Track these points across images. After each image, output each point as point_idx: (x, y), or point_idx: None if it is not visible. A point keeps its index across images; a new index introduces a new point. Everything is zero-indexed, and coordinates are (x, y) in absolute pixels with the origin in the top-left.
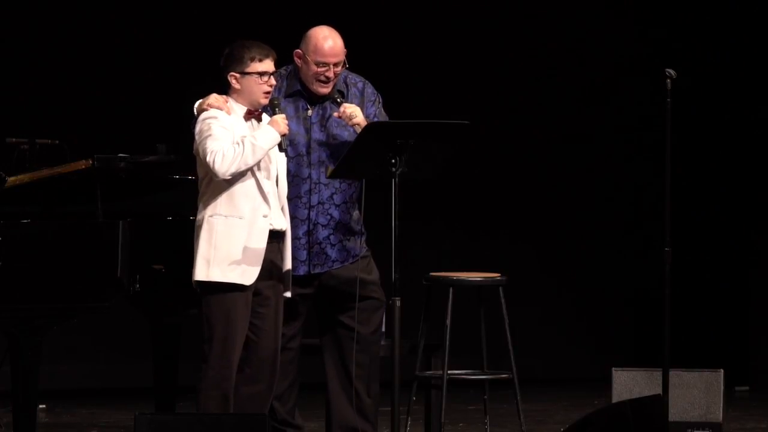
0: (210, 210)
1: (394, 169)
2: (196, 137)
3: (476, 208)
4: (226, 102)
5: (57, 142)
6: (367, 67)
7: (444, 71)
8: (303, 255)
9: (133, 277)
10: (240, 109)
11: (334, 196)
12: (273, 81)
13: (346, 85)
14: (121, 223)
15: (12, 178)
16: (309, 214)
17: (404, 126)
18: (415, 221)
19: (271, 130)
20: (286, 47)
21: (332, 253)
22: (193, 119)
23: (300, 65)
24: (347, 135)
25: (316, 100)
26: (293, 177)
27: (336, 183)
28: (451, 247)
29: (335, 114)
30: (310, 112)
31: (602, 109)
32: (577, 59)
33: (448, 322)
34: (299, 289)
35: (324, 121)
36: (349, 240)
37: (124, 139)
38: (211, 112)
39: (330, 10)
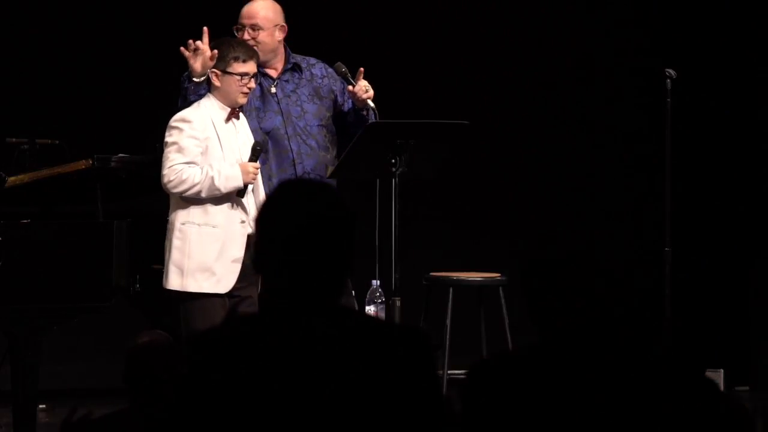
0: (182, 217)
1: (394, 169)
2: (165, 137)
3: (476, 207)
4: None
5: (57, 142)
6: (368, 67)
7: (444, 71)
8: None
9: (133, 277)
10: (220, 111)
11: (318, 167)
12: (252, 84)
13: (302, 67)
14: (120, 223)
15: (12, 178)
16: None
17: (404, 126)
18: (415, 221)
19: (237, 176)
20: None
21: None
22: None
23: None
24: (315, 108)
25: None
26: (276, 152)
27: (318, 153)
28: (451, 247)
29: (349, 88)
30: (273, 89)
31: (602, 109)
32: (577, 59)
33: (448, 322)
34: None
35: (290, 94)
36: None
37: (124, 139)
38: (188, 114)
39: (330, 10)
